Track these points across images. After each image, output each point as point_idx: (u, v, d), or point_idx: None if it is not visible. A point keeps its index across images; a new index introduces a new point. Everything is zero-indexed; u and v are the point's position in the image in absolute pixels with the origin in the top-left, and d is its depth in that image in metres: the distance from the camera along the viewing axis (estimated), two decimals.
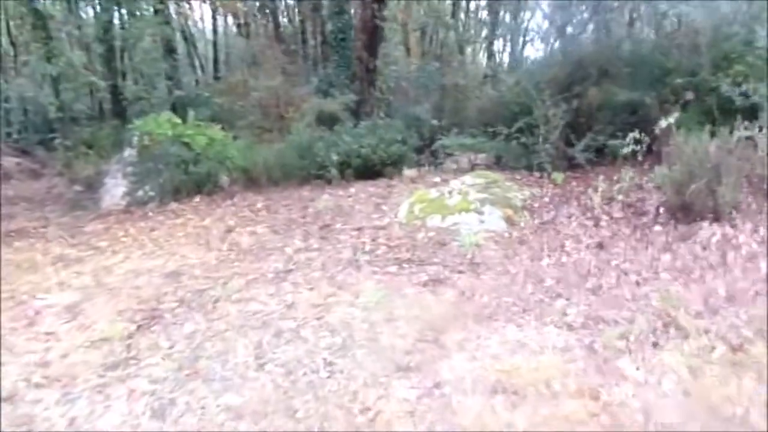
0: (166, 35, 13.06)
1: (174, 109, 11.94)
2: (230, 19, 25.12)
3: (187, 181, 9.35)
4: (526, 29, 21.60)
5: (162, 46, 13.40)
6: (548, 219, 6.38)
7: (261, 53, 19.64)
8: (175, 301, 4.81)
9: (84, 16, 17.47)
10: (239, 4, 14.95)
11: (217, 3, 15.15)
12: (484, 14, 21.40)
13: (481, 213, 6.32)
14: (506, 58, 21.34)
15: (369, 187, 8.67)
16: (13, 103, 18.46)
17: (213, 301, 4.77)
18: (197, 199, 9.28)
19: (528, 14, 18.79)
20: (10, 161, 13.81)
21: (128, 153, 9.83)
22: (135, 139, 9.90)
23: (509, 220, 6.32)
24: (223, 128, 11.36)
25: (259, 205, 8.20)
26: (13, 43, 17.41)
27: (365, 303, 4.52)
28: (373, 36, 12.65)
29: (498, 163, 11.15)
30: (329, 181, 9.59)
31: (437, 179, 8.55)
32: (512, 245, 5.75)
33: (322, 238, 6.45)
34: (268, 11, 14.46)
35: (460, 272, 5.18)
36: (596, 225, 6.09)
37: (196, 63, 23.37)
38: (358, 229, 6.66)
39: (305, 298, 4.72)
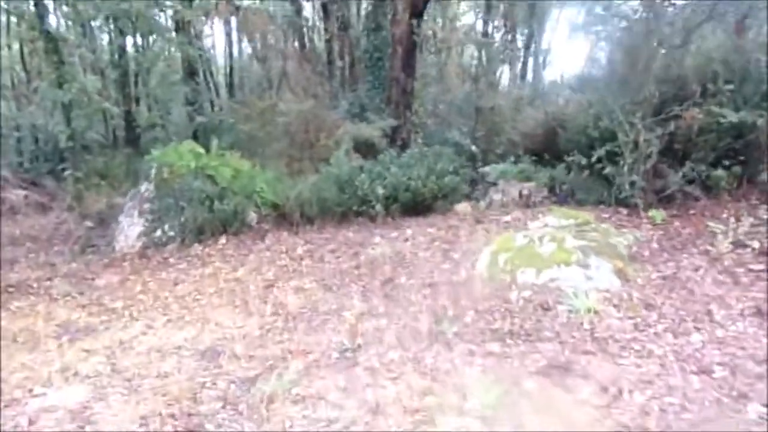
0: (189, 56, 12.03)
1: (195, 136, 10.86)
2: (245, 42, 24.37)
3: (212, 220, 8.19)
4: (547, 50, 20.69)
5: (182, 68, 12.38)
6: (669, 273, 5.13)
7: (281, 75, 18.70)
8: (217, 400, 3.59)
9: (98, 40, 16.57)
10: (267, 25, 13.94)
11: (245, 21, 14.07)
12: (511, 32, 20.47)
13: (586, 266, 5.09)
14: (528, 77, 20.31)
15: (425, 227, 7.47)
16: (24, 131, 17.58)
17: (266, 399, 3.55)
18: (223, 240, 8.12)
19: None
20: (17, 195, 12.76)
21: (145, 187, 8.71)
22: (152, 172, 8.78)
23: (621, 275, 5.07)
24: (246, 157, 10.30)
25: (299, 251, 7.00)
26: (26, 69, 16.53)
27: (479, 408, 3.29)
28: (411, 54, 11.57)
29: (554, 195, 9.98)
30: (373, 218, 8.41)
31: (506, 218, 7.35)
32: (638, 311, 4.49)
33: (388, 298, 5.23)
34: (293, 30, 13.47)
35: (587, 353, 3.94)
36: (736, 282, 4.84)
37: (211, 86, 22.51)
38: (430, 285, 5.44)
39: (392, 397, 3.49)
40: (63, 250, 9.04)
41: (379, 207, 8.32)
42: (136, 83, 16.21)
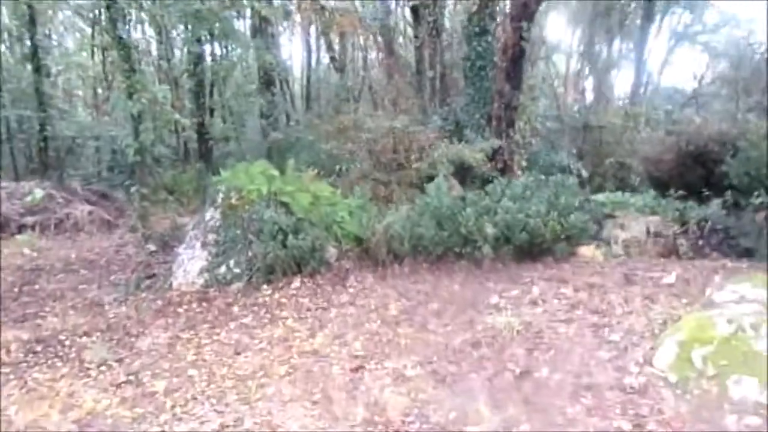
0: (265, 63, 10.87)
1: (269, 155, 9.63)
2: (323, 51, 23.43)
3: (285, 257, 6.81)
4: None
5: (258, 77, 11.24)
6: None
7: (362, 86, 17.45)
8: None
9: (174, 48, 15.88)
10: (357, 28, 12.59)
11: (330, 23, 12.86)
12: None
13: None
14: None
15: (554, 282, 5.77)
16: (103, 141, 17.20)
17: None
18: (297, 282, 6.72)
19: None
20: (82, 211, 12.03)
21: (210, 215, 7.47)
22: (219, 196, 7.54)
23: None
24: (326, 179, 8.96)
25: (392, 309, 5.46)
26: (106, 78, 16.09)
27: None
28: (518, 63, 9.91)
29: (701, 238, 8.06)
30: (479, 263, 6.79)
31: (668, 278, 5.52)
32: None
33: (530, 406, 3.58)
34: (381, 38, 12.14)
35: None
36: None
37: (287, 98, 21.63)
38: (588, 387, 3.73)
39: None
40: (118, 280, 7.97)
41: (487, 249, 6.68)
42: (211, 93, 15.36)
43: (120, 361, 4.54)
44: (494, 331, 4.65)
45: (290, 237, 6.82)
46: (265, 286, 6.73)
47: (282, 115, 13.88)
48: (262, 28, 10.86)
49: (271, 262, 6.82)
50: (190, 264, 7.18)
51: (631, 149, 12.55)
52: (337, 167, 10.19)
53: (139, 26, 12.85)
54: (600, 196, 9.85)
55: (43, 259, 8.91)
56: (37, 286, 7.38)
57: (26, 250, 9.33)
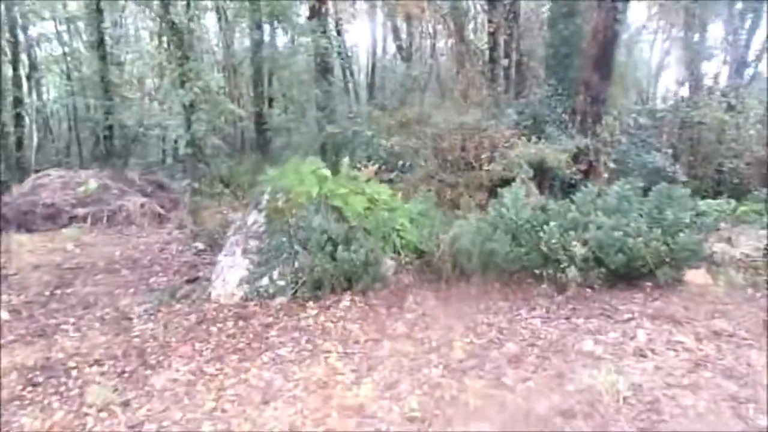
0: (321, 49, 9.98)
1: (324, 150, 8.77)
2: (390, 39, 22.45)
3: (334, 272, 5.92)
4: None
5: (315, 64, 10.38)
6: None
7: (429, 75, 16.40)
8: None
9: (234, 34, 15.32)
10: (425, 11, 11.49)
11: (396, 6, 11.82)
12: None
13: None
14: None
15: (664, 323, 4.57)
16: (164, 130, 16.99)
17: None
18: (347, 301, 5.83)
19: None
20: (134, 203, 11.64)
21: (253, 218, 6.68)
22: (265, 198, 6.74)
23: None
24: (385, 179, 8.03)
25: (458, 350, 4.44)
26: (161, 64, 15.74)
27: None
28: (608, 49, 8.58)
29: None
30: (562, 287, 5.66)
31: None
32: None
33: None
34: (452, 23, 10.98)
35: None
36: None
37: (350, 88, 20.78)
38: None
39: None
40: (158, 284, 7.36)
41: (573, 272, 5.55)
42: (270, 82, 14.72)
43: (126, 404, 3.76)
44: (592, 394, 3.56)
45: (340, 248, 5.92)
46: (310, 303, 5.88)
47: (341, 106, 13.00)
48: (319, 10, 9.94)
49: (318, 276, 5.95)
50: (230, 273, 6.41)
51: (739, 149, 10.91)
52: (399, 163, 9.22)
53: (197, 12, 12.27)
54: (700, 204, 8.44)
55: (85, 257, 8.46)
56: (71, 290, 6.85)
57: (70, 246, 8.92)
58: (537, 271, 5.84)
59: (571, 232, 5.66)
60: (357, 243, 6.08)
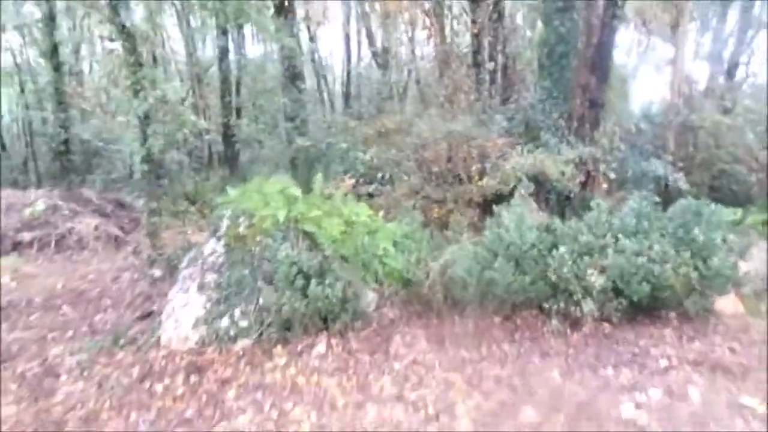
0: (289, 51, 9.01)
1: (294, 165, 7.83)
2: (364, 45, 21.63)
3: (306, 310, 4.98)
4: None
5: (283, 70, 9.40)
6: None
7: (408, 81, 15.62)
8: None
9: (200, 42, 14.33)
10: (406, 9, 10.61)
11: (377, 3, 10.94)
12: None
13: None
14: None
15: (717, 374, 3.71)
16: (122, 145, 15.82)
17: None
18: (322, 346, 4.90)
19: None
20: (87, 224, 10.52)
21: (211, 248, 5.70)
22: (224, 223, 5.77)
23: None
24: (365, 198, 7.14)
25: (463, 416, 3.51)
26: (112, 72, 14.65)
27: None
28: (605, 49, 7.84)
29: None
30: (576, 322, 4.80)
31: None
32: None
33: None
34: (434, 21, 10.12)
35: None
36: None
37: (324, 97, 19.86)
38: None
39: None
40: (102, 322, 6.34)
41: (589, 305, 4.68)
42: (238, 91, 13.72)
43: None
44: None
45: (313, 282, 4.97)
46: (278, 349, 4.93)
47: (315, 116, 12.03)
48: (284, 7, 8.99)
49: (287, 315, 5.00)
50: (184, 312, 5.41)
51: (737, 153, 10.27)
52: (379, 175, 8.31)
53: (153, 14, 11.25)
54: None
55: (23, 291, 7.35)
56: None
57: (5, 279, 7.80)
58: (544, 304, 4.96)
59: (586, 258, 4.80)
60: (332, 275, 5.15)
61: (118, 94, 9.98)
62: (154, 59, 15.30)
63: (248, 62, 12.75)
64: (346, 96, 21.00)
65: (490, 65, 10.40)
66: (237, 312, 5.26)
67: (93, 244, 10.28)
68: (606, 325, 4.78)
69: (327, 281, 5.05)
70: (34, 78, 18.85)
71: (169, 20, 13.61)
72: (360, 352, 4.80)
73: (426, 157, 7.28)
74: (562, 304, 4.87)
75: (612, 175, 8.10)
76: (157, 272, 8.50)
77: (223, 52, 13.36)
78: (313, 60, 13.76)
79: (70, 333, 6.00)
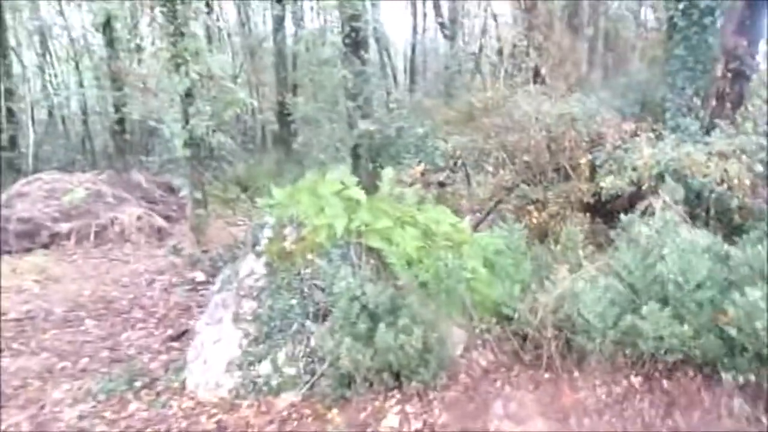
0: (352, 9, 7.48)
1: (356, 155, 6.47)
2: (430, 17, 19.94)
3: (371, 362, 3.63)
4: None
5: (343, 37, 7.96)
6: None
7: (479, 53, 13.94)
8: None
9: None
10: None
11: None
12: None
13: None
14: None
15: None
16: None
17: None
18: (392, 413, 3.56)
19: None
20: (130, 215, 9.59)
21: (249, 266, 4.42)
22: (265, 235, 4.48)
23: None
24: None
25: None
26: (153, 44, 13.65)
27: None
28: (761, 5, 5.96)
29: None
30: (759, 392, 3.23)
31: None
32: None
33: None
34: None
35: None
36: None
37: (388, 71, 18.33)
38: None
39: None
40: (129, 343, 5.29)
41: None
42: (294, 65, 12.45)
43: None
44: None
45: (382, 326, 3.61)
46: (334, 413, 3.63)
47: (378, 92, 10.52)
48: None
49: (348, 368, 3.67)
50: (215, 350, 4.20)
51: None
52: (451, 162, 6.79)
53: None
54: None
55: (45, 299, 6.40)
56: None
57: (29, 281, 6.90)
58: (719, 370, 3.41)
59: None
60: (408, 313, 3.77)
61: (158, 69, 8.84)
62: (208, 33, 14.24)
63: (306, 34, 11.41)
64: (411, 71, 19.44)
65: (588, 31, 8.60)
66: (281, 355, 4.00)
67: (136, 236, 9.35)
68: None
69: (400, 323, 3.68)
70: (90, 54, 18.31)
71: None
72: (448, 426, 3.43)
73: (521, 145, 5.72)
74: (741, 366, 3.31)
75: (759, 168, 6.26)
76: (199, 275, 7.47)
77: (279, 23, 12.09)
78: (375, 30, 12.24)
79: (85, 360, 4.94)
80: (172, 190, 12.21)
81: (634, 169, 4.77)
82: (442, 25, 18.79)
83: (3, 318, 5.77)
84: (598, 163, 5.67)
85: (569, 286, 3.96)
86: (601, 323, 3.61)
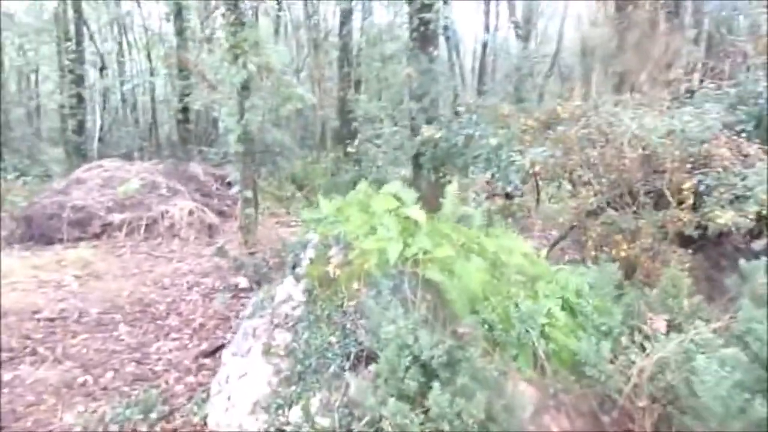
0: (419, 8, 6.79)
1: (417, 164, 5.79)
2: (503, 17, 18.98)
3: (423, 426, 2.94)
4: None
5: (411, 31, 7.28)
6: None
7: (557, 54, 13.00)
8: None
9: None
10: None
11: None
12: None
13: None
14: None
15: None
16: None
17: None
18: None
19: None
20: (182, 210, 9.31)
21: (285, 291, 3.83)
22: (307, 256, 3.88)
23: None
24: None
25: None
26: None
27: None
28: None
29: None
30: None
31: None
32: None
33: None
34: None
35: None
36: None
37: (456, 70, 17.51)
38: None
39: None
40: (159, 355, 4.86)
41: None
42: (358, 61, 11.89)
43: None
44: None
45: (436, 387, 2.92)
46: None
47: (446, 95, 9.75)
48: None
49: (393, 429, 3.00)
50: (240, 386, 3.64)
51: None
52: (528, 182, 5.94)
53: None
54: None
55: (80, 298, 6.09)
56: (10, 374, 4.41)
57: (69, 276, 6.63)
58: None
59: None
60: (469, 368, 3.07)
61: (215, 60, 8.47)
62: (277, 24, 13.91)
63: (370, 27, 10.82)
64: (480, 71, 18.55)
65: (690, 33, 7.55)
66: (315, 401, 3.37)
67: (185, 231, 9.05)
68: None
69: (459, 381, 2.98)
70: (162, 43, 18.49)
71: None
72: None
73: (610, 162, 4.88)
74: None
75: None
76: (242, 281, 7.02)
77: (346, 16, 11.55)
78: (446, 27, 11.43)
79: (109, 375, 4.51)
80: (229, 183, 11.95)
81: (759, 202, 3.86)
82: (515, 24, 17.81)
83: (36, 317, 5.48)
84: (702, 188, 4.76)
85: (675, 349, 3.14)
86: (721, 408, 2.78)
